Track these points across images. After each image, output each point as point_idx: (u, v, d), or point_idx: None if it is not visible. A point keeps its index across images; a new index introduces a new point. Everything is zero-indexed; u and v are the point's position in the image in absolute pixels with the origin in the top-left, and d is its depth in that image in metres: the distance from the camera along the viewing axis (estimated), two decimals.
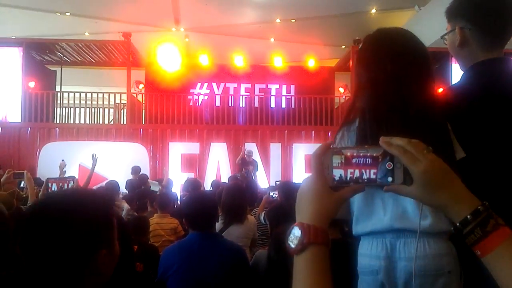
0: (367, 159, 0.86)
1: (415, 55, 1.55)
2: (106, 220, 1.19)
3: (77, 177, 10.27)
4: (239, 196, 3.96)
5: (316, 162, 0.88)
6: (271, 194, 6.07)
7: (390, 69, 1.49)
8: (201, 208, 2.83)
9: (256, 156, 11.75)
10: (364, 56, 1.61)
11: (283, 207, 3.60)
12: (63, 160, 7.56)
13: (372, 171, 0.86)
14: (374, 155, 0.86)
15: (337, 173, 0.87)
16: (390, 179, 0.85)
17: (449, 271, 1.45)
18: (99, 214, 1.18)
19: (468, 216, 0.80)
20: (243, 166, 9.19)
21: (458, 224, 0.82)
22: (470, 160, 1.41)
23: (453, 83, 1.72)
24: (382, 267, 1.48)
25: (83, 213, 1.14)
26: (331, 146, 0.90)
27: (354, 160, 0.87)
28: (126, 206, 6.38)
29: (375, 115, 1.46)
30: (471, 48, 1.64)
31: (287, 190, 4.62)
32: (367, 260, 1.53)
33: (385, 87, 1.49)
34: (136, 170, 9.58)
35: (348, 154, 0.87)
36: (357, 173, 0.86)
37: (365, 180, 0.86)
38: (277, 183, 8.97)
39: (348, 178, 0.87)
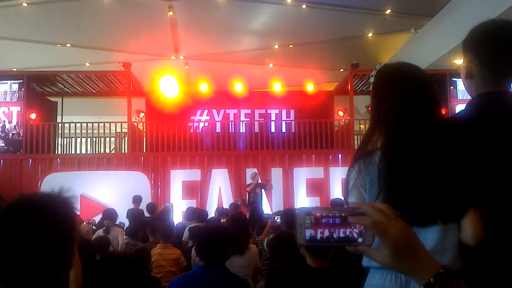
0: (336, 219, 0.89)
1: (427, 81, 1.65)
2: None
3: (79, 206, 10.33)
4: (240, 227, 3.94)
5: None
6: (276, 219, 5.99)
7: (412, 96, 1.59)
8: (214, 240, 2.82)
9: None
10: (383, 87, 1.67)
11: (285, 236, 3.60)
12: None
13: (342, 230, 0.89)
14: (343, 215, 0.89)
15: (308, 233, 0.90)
16: (360, 239, 0.89)
17: None
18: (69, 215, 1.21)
19: (431, 279, 0.85)
20: (259, 187, 9.09)
21: (422, 287, 0.86)
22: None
23: (454, 109, 1.84)
24: None
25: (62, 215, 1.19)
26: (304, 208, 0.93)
27: (323, 220, 0.90)
28: (121, 238, 6.34)
29: (400, 144, 1.53)
30: (476, 81, 1.71)
31: (290, 218, 4.55)
32: None
33: (409, 113, 1.57)
34: (137, 199, 9.58)
35: (318, 214, 0.90)
36: (326, 232, 0.89)
37: (336, 240, 0.89)
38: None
39: (318, 237, 0.90)
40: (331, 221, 0.89)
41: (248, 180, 11.49)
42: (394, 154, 1.52)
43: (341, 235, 0.89)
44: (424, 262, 0.88)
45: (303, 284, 2.08)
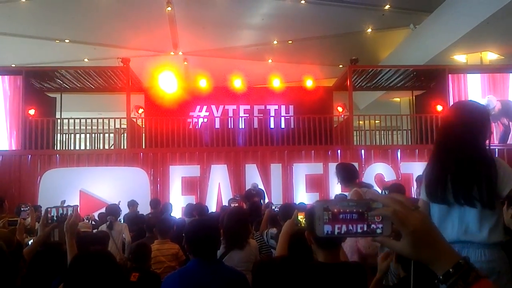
0: (354, 215, 0.91)
1: (467, 119, 2.35)
2: None
3: (78, 202, 10.33)
4: (239, 221, 3.93)
5: None
6: (273, 207, 5.89)
7: (454, 135, 2.34)
8: (204, 235, 2.82)
9: (257, 177, 11.73)
10: (441, 121, 2.63)
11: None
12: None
13: (359, 226, 0.91)
14: (360, 210, 0.91)
15: (327, 228, 0.92)
16: (379, 230, 0.91)
17: (499, 271, 2.13)
18: None
19: (450, 270, 0.87)
20: (249, 199, 8.97)
21: (441, 277, 0.87)
22: None
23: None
24: None
25: None
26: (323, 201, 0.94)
27: (341, 216, 0.91)
28: (126, 232, 6.35)
29: (440, 171, 2.36)
30: None
31: (288, 213, 4.51)
32: None
33: (446, 143, 2.40)
34: (132, 203, 8.92)
35: (335, 210, 0.91)
36: (344, 228, 0.91)
37: (353, 234, 0.91)
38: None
39: (336, 233, 0.91)
40: (348, 217, 0.91)
41: (248, 177, 11.49)
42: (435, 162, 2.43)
43: (359, 230, 0.91)
44: (444, 252, 0.89)
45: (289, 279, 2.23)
